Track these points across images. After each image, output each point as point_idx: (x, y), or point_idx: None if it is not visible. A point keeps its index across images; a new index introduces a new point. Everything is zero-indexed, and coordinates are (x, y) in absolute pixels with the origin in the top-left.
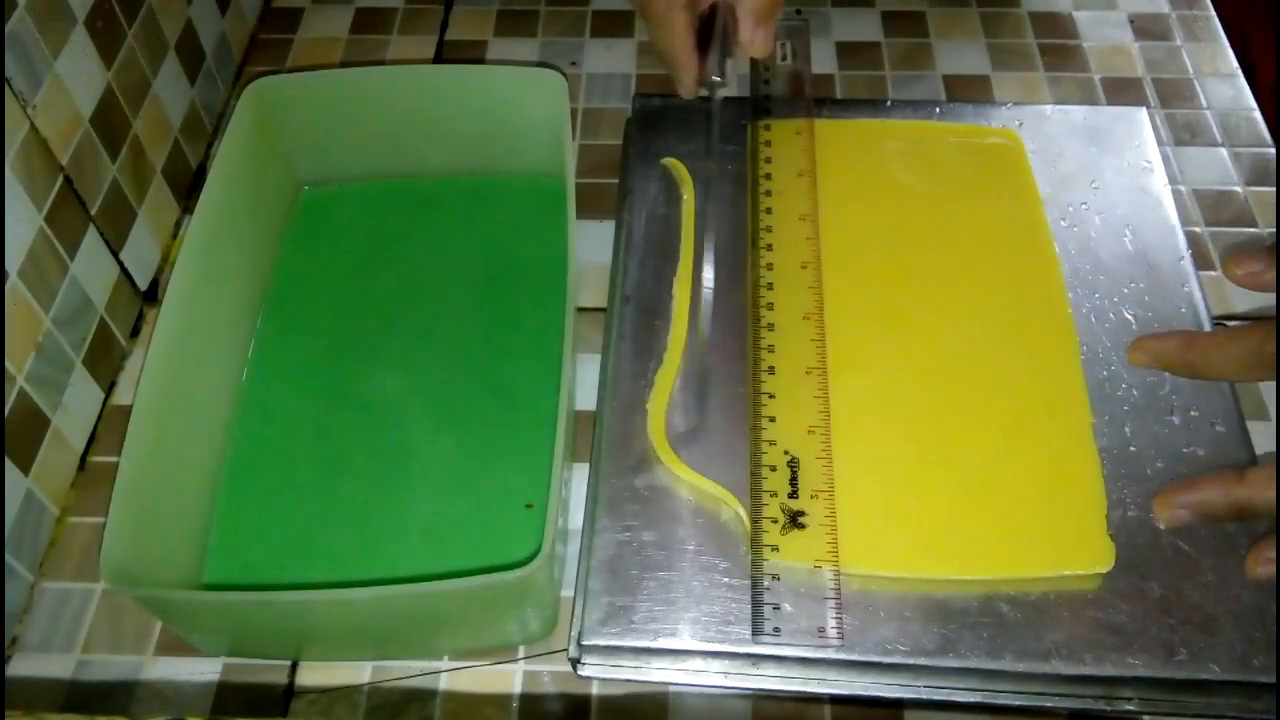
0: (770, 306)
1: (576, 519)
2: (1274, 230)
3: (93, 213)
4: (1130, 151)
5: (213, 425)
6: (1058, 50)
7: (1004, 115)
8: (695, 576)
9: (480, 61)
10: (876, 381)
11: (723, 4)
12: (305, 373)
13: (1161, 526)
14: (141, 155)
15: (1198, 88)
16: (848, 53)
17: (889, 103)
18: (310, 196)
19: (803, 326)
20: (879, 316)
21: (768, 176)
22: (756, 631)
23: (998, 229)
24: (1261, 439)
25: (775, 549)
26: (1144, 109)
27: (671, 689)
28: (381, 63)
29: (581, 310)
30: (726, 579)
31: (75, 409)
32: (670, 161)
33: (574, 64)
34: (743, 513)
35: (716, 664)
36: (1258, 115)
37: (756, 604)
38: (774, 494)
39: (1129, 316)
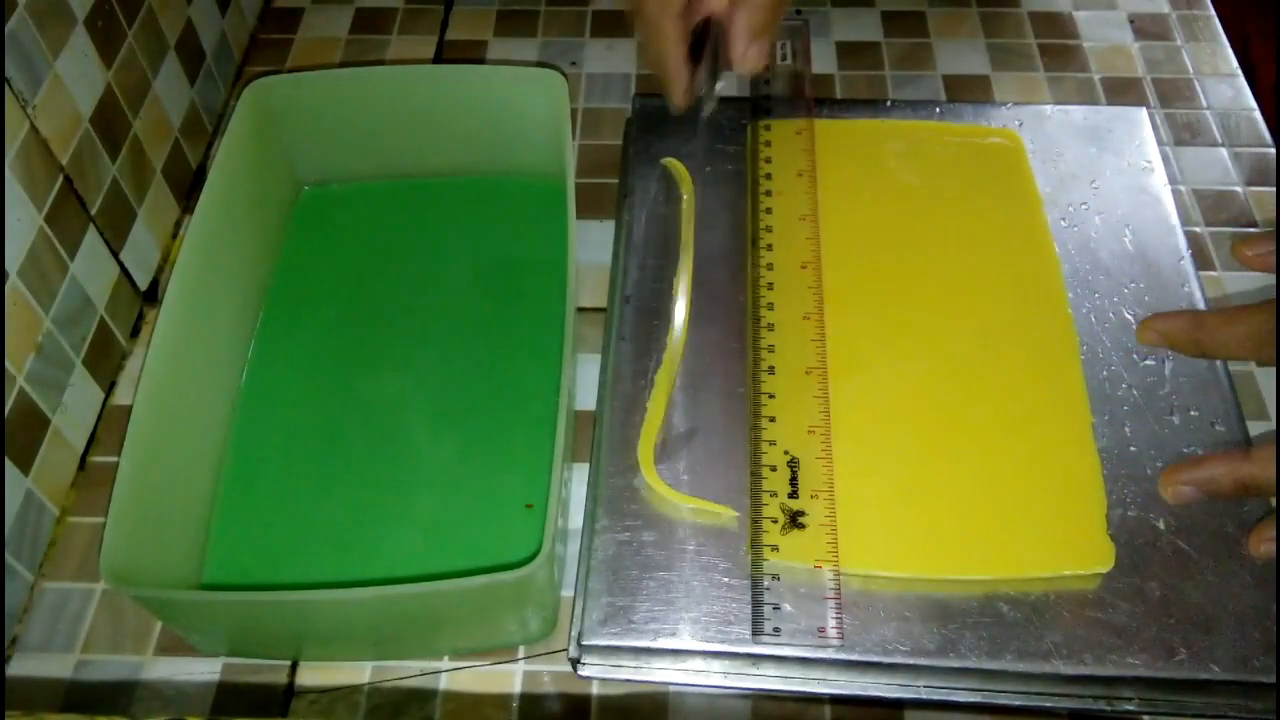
0: (770, 306)
1: (576, 519)
2: (1274, 230)
3: (93, 213)
4: (1130, 151)
5: (213, 425)
6: (1058, 50)
7: (1004, 115)
8: (695, 576)
9: (480, 61)
10: (876, 381)
11: (715, 18)
12: (305, 373)
13: (1169, 502)
14: (141, 155)
15: (1198, 88)
16: (848, 53)
17: (889, 103)
18: (310, 196)
19: (803, 326)
20: (879, 316)
21: (768, 176)
22: (756, 631)
23: (998, 229)
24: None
25: (775, 549)
26: (1144, 109)
27: (671, 689)
28: (381, 63)
29: (581, 310)
30: (726, 579)
31: (75, 409)
32: (670, 161)
33: (574, 64)
34: (737, 522)
35: (716, 664)
36: (1258, 115)
37: (756, 604)
38: (774, 494)
39: (1129, 316)
